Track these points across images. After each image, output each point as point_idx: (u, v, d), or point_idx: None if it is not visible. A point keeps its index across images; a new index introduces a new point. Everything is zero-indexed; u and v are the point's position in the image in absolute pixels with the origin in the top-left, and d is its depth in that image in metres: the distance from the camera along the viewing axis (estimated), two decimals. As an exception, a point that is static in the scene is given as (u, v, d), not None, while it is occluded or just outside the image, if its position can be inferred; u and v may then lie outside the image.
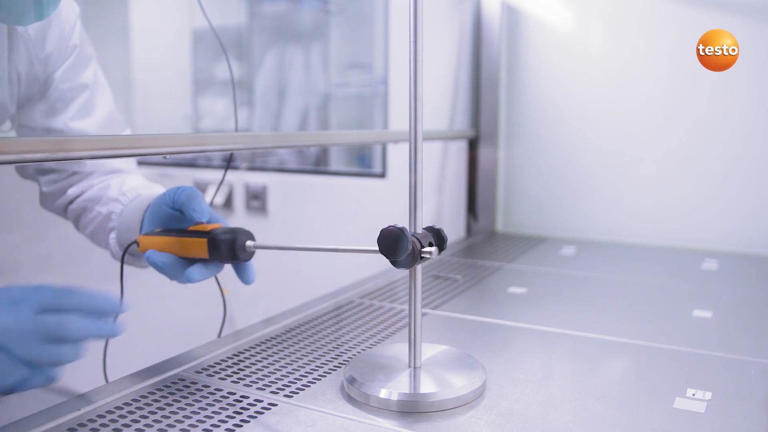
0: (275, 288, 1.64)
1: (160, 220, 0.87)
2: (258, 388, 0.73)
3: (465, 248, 1.59)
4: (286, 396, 0.71)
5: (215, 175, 2.26)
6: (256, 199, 2.15)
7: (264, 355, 0.84)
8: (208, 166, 2.35)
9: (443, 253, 0.76)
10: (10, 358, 0.61)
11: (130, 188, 1.01)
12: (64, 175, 1.06)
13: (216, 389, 0.73)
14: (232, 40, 2.68)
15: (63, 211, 1.09)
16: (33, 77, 0.96)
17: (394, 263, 0.70)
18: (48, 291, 0.64)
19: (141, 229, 0.91)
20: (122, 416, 0.66)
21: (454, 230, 1.79)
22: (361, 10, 2.46)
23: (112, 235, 0.99)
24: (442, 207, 1.79)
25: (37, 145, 0.68)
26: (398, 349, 0.80)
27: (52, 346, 0.63)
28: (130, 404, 0.68)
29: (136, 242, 0.83)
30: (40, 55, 0.95)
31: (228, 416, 0.66)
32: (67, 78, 1.00)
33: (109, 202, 1.01)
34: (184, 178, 2.22)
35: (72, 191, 1.05)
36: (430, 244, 0.71)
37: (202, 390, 0.73)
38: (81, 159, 0.85)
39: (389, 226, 0.69)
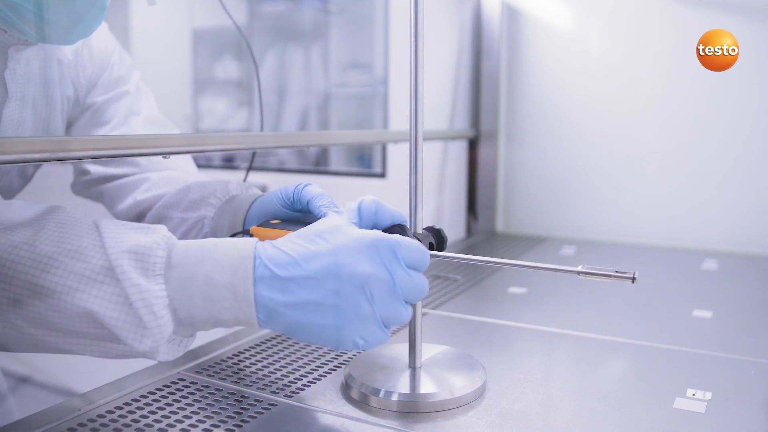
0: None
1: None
2: (258, 388, 0.73)
3: (465, 248, 1.60)
4: (286, 396, 0.71)
5: (215, 175, 2.26)
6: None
7: (264, 355, 0.84)
8: (208, 166, 2.35)
9: (443, 253, 0.76)
10: (374, 314, 0.60)
11: (219, 189, 0.96)
12: (126, 181, 1.03)
13: (216, 389, 0.73)
14: (232, 41, 2.68)
15: (133, 220, 1.04)
16: (76, 100, 0.97)
17: None
18: (408, 246, 0.62)
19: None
20: (122, 416, 0.66)
21: (454, 230, 1.79)
22: (361, 10, 2.46)
23: None
24: (442, 207, 1.79)
25: (37, 145, 0.68)
26: (398, 349, 0.80)
27: (407, 305, 0.62)
28: (131, 404, 0.68)
29: (245, 232, 0.76)
30: (81, 80, 0.97)
31: (228, 416, 0.66)
32: (107, 89, 1.00)
33: (196, 207, 0.97)
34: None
35: (142, 197, 1.01)
36: (431, 245, 0.71)
37: (203, 390, 0.73)
38: (81, 159, 0.85)
39: (392, 226, 0.69)
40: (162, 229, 0.62)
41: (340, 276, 0.59)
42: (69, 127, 1.00)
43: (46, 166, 1.00)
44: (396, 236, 0.62)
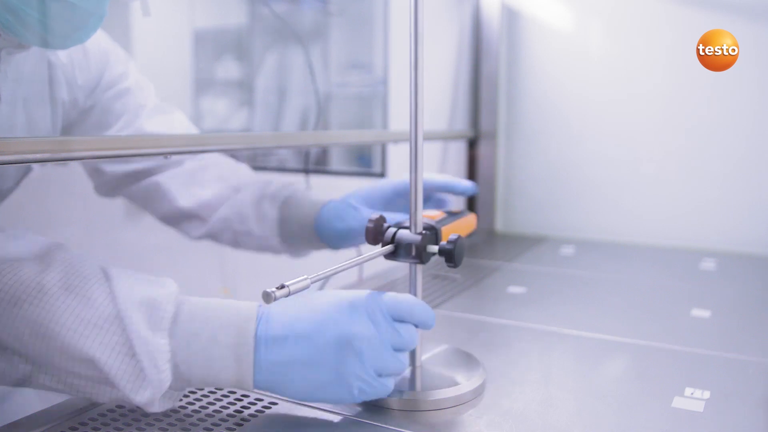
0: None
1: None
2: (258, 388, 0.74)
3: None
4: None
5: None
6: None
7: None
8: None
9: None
10: (364, 367, 0.62)
11: (277, 185, 1.05)
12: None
13: (216, 388, 0.73)
14: (232, 41, 2.69)
15: (190, 221, 1.08)
16: (73, 102, 0.97)
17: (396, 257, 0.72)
18: (391, 299, 0.65)
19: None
20: (123, 415, 0.66)
21: (454, 230, 1.79)
22: (361, 11, 2.46)
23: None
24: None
25: (38, 145, 0.68)
26: (398, 348, 0.80)
27: (399, 355, 0.64)
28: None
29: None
30: (78, 82, 0.96)
31: (229, 415, 0.67)
32: (110, 86, 1.01)
33: (259, 200, 1.03)
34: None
35: (206, 195, 1.05)
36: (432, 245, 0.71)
37: (203, 389, 0.73)
38: (82, 159, 0.86)
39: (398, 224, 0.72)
40: (171, 284, 0.63)
41: (326, 333, 0.61)
42: (68, 128, 0.99)
43: (44, 168, 1.00)
44: (385, 294, 0.65)
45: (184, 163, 1.07)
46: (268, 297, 0.56)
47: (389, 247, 0.71)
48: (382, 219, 0.74)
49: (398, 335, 0.64)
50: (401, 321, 0.65)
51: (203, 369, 0.61)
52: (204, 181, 1.06)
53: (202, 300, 0.64)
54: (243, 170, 1.12)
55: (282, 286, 0.57)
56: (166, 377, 0.60)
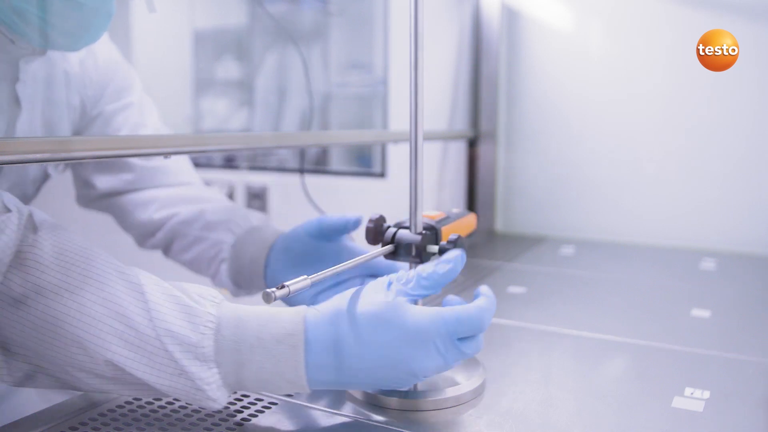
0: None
1: (294, 257, 0.85)
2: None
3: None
4: (286, 395, 0.72)
5: (216, 175, 2.27)
6: (257, 199, 2.15)
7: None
8: (208, 165, 2.35)
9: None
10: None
11: (240, 216, 0.97)
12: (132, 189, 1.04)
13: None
14: (232, 41, 2.69)
15: (145, 236, 1.05)
16: (83, 110, 0.98)
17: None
18: (461, 322, 0.62)
19: (266, 265, 0.88)
20: (123, 415, 0.66)
21: (454, 230, 1.79)
22: (361, 11, 2.46)
23: (224, 267, 0.96)
24: (441, 207, 1.79)
25: (38, 145, 0.68)
26: (398, 348, 0.80)
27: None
28: (132, 403, 0.69)
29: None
30: (88, 91, 0.98)
31: (229, 415, 0.67)
32: (114, 98, 1.01)
33: (213, 228, 0.97)
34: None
35: (158, 216, 1.02)
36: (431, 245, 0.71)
37: (203, 389, 0.73)
38: (83, 159, 0.86)
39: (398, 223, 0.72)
40: (207, 314, 0.60)
41: (396, 368, 0.60)
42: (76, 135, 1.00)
43: (52, 178, 1.00)
44: (454, 315, 0.61)
45: (159, 188, 1.06)
46: (268, 297, 0.56)
47: (389, 247, 0.71)
48: (382, 219, 0.74)
49: (463, 354, 0.62)
50: (469, 337, 0.63)
51: (256, 387, 0.61)
52: (166, 203, 1.05)
53: (242, 322, 0.60)
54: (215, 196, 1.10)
55: (282, 286, 0.57)
56: (222, 399, 0.60)
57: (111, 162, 1.04)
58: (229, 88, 2.75)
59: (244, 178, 2.19)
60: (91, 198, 1.07)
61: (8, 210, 0.63)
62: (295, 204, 2.08)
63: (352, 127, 2.49)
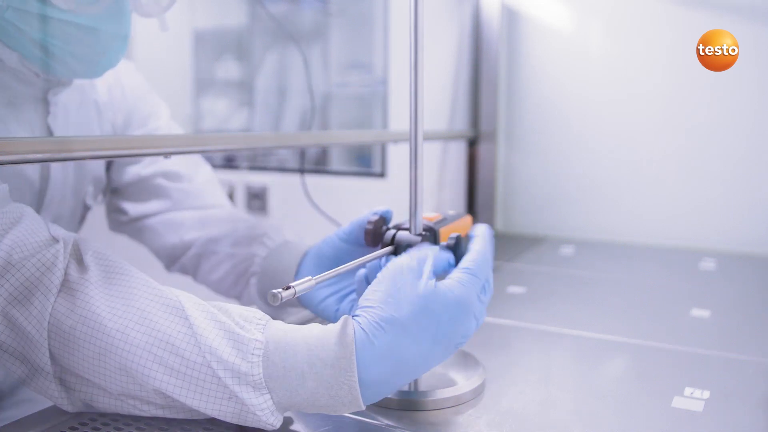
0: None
1: (326, 263, 0.83)
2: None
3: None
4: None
5: (216, 175, 2.26)
6: (257, 199, 2.15)
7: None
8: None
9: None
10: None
11: (273, 230, 0.95)
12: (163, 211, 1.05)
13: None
14: (232, 41, 2.69)
15: (174, 259, 1.04)
16: None
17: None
18: (481, 270, 0.65)
19: (297, 273, 0.86)
20: (123, 415, 0.66)
21: (454, 230, 1.79)
22: (361, 11, 2.46)
23: (254, 281, 0.94)
24: (441, 207, 1.79)
25: (39, 145, 0.68)
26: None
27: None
28: (131, 403, 0.69)
29: None
30: (118, 120, 1.00)
31: (228, 415, 0.66)
32: (140, 124, 1.04)
33: (246, 244, 0.96)
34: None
35: (189, 237, 1.01)
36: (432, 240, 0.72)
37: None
38: (83, 159, 0.86)
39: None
40: (253, 342, 0.58)
41: (447, 349, 0.62)
42: (109, 165, 1.03)
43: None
44: (471, 272, 0.64)
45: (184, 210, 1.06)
46: (274, 298, 0.55)
47: (389, 248, 0.71)
48: (381, 221, 0.74)
49: (484, 304, 0.66)
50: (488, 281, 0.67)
51: (310, 409, 0.60)
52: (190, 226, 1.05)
53: (287, 346, 0.59)
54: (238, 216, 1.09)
55: (288, 287, 0.56)
56: (276, 422, 0.60)
57: (144, 189, 1.05)
58: (229, 88, 2.75)
59: (244, 178, 2.19)
60: (122, 222, 1.08)
61: (56, 241, 0.64)
62: (295, 204, 2.08)
63: (352, 127, 2.49)
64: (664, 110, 1.59)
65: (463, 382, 0.71)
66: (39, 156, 0.67)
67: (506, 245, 1.63)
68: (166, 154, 0.90)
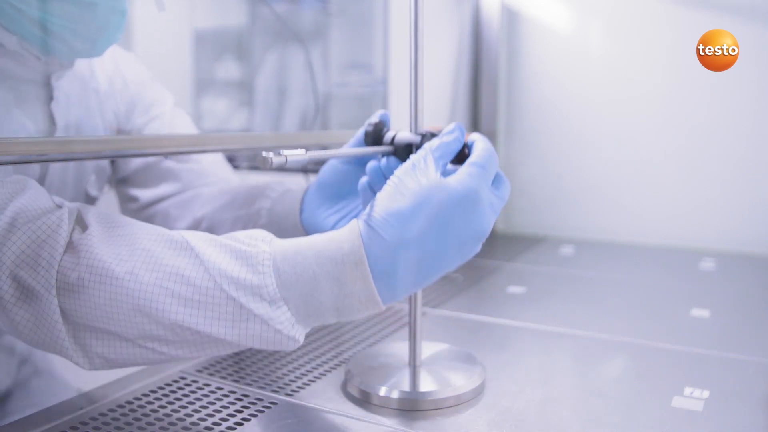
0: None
1: (328, 192, 0.82)
2: (258, 387, 0.74)
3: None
4: (286, 394, 0.72)
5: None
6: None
7: (264, 353, 0.84)
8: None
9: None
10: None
11: (275, 182, 0.95)
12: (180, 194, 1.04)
13: (217, 387, 0.73)
14: (232, 41, 2.69)
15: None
16: (119, 127, 1.00)
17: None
18: (492, 166, 0.64)
19: (301, 212, 0.85)
20: (124, 414, 0.66)
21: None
22: (361, 11, 2.46)
23: None
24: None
25: (39, 145, 0.68)
26: (398, 347, 0.80)
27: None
28: (132, 402, 0.69)
29: None
30: (120, 108, 1.00)
31: (229, 414, 0.67)
32: (144, 112, 1.04)
33: (250, 203, 0.95)
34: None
35: (200, 214, 1.00)
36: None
37: (203, 388, 0.73)
38: (83, 159, 0.86)
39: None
40: (262, 253, 0.58)
41: (464, 242, 0.61)
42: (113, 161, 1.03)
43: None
44: (479, 164, 0.63)
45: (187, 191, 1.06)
46: (264, 162, 0.54)
47: (389, 147, 0.71)
48: (381, 124, 0.74)
49: (502, 200, 0.64)
50: (496, 180, 0.65)
51: (331, 316, 0.59)
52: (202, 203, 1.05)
53: (296, 253, 0.58)
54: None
55: (279, 153, 0.56)
56: (299, 336, 0.59)
57: (153, 173, 1.04)
58: (230, 88, 2.75)
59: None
60: (133, 210, 1.08)
61: (60, 207, 0.64)
62: (296, 204, 2.07)
63: (352, 127, 2.49)
64: (664, 110, 1.59)
65: (463, 382, 0.71)
66: (39, 156, 0.67)
67: (506, 245, 1.63)
68: (167, 154, 0.90)
